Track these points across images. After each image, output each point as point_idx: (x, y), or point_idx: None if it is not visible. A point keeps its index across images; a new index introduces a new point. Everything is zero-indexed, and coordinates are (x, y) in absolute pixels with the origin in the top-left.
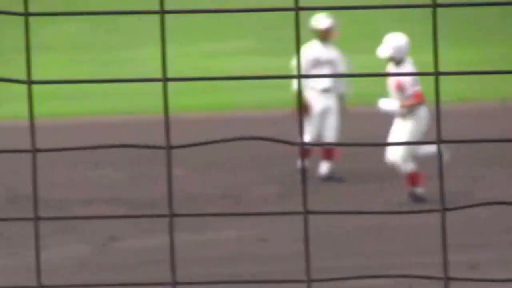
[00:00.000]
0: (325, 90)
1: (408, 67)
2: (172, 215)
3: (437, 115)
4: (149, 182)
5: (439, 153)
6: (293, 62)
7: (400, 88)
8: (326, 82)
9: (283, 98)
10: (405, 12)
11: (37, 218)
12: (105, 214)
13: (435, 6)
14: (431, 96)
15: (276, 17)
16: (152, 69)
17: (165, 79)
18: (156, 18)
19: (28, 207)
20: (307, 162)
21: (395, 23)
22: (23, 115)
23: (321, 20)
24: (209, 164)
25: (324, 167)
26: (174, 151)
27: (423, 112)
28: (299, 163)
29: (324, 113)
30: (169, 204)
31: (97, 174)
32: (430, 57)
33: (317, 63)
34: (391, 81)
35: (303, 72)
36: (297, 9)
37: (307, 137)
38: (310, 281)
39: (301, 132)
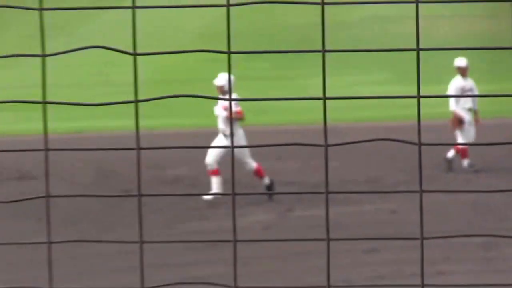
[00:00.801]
0: (470, 109)
1: (234, 95)
2: (327, 192)
3: None
4: (315, 171)
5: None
6: (449, 89)
7: (226, 108)
8: (470, 103)
9: (411, 113)
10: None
11: (234, 194)
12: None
13: None
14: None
15: (410, 54)
16: (316, 94)
17: (324, 98)
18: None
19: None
20: (455, 158)
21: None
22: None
23: (461, 60)
24: (359, 159)
25: (464, 162)
26: (332, 148)
27: (241, 132)
28: (449, 154)
29: (469, 124)
30: (326, 185)
31: (279, 165)
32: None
33: (463, 90)
34: (220, 106)
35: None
36: (419, 49)
37: (462, 142)
38: (423, 238)
39: (419, 134)
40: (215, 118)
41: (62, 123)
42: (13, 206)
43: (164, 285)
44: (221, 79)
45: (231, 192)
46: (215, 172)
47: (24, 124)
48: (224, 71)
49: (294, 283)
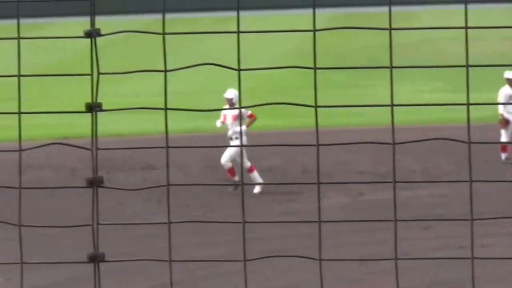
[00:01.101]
0: None
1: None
2: (395, 181)
3: None
4: (382, 162)
5: None
6: (499, 96)
7: (237, 118)
8: None
9: (461, 116)
10: None
11: (319, 183)
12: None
13: None
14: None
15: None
16: (381, 101)
17: (392, 105)
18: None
19: (315, 177)
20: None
21: None
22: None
23: (510, 73)
24: (417, 153)
25: (503, 156)
26: (400, 146)
27: (245, 138)
28: (503, 155)
29: None
30: (393, 175)
31: (353, 157)
32: None
33: (510, 98)
34: (229, 116)
35: (503, 101)
36: (468, 66)
37: (504, 139)
38: (473, 220)
39: (468, 134)
40: (299, 119)
41: (178, 124)
42: (139, 191)
43: (261, 258)
44: (230, 93)
45: (317, 182)
46: (233, 172)
47: (149, 125)
48: (311, 83)
49: (366, 254)
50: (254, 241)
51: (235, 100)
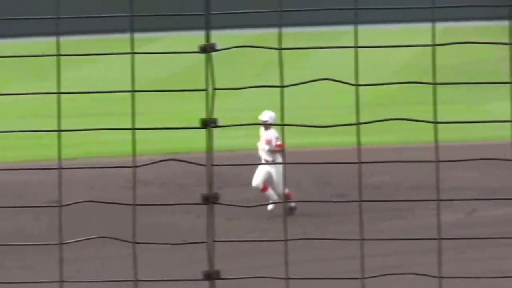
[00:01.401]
0: None
1: (272, 130)
2: (511, 200)
3: None
4: (492, 178)
5: None
6: None
7: (269, 142)
8: None
9: None
10: None
11: (439, 200)
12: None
13: None
14: None
15: None
16: (489, 116)
17: (510, 121)
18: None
19: (430, 193)
20: None
21: None
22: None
23: None
24: (473, 167)
25: None
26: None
27: (280, 159)
28: None
29: None
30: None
31: (459, 172)
32: None
33: None
34: (262, 138)
35: None
36: None
37: None
38: None
39: None
40: (410, 135)
41: (289, 140)
42: (243, 208)
43: (380, 275)
44: (266, 115)
45: (436, 198)
46: (266, 189)
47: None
48: (421, 97)
49: (480, 271)
50: (367, 258)
51: (271, 122)
